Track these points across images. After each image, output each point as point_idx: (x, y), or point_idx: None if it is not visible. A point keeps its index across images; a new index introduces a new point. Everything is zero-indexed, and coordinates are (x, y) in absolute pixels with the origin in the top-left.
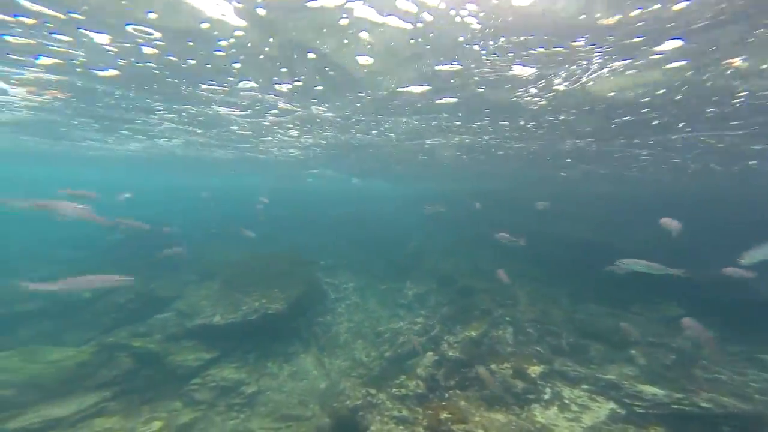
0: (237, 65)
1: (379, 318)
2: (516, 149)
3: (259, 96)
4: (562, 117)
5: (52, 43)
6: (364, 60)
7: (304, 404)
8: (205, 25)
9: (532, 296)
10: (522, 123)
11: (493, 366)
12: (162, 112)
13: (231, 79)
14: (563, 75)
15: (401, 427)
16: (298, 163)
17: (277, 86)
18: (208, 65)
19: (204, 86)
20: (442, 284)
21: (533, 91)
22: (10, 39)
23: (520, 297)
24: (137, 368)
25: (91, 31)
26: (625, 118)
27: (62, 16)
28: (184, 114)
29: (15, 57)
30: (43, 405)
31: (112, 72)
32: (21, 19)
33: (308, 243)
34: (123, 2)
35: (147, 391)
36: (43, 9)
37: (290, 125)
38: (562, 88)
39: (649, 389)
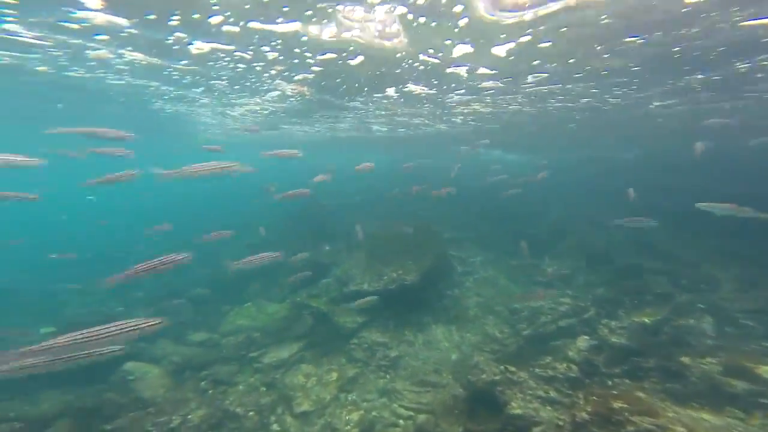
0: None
1: (512, 295)
2: None
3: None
4: None
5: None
6: None
7: (438, 373)
8: None
9: (743, 280)
10: None
11: (685, 359)
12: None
13: None
14: None
15: (549, 408)
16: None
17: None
18: None
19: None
20: (593, 262)
21: None
22: None
23: (723, 281)
24: (315, 325)
25: None
26: None
27: None
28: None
29: None
30: (273, 347)
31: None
32: None
33: (431, 215)
34: None
35: (324, 345)
36: None
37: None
38: None
39: None
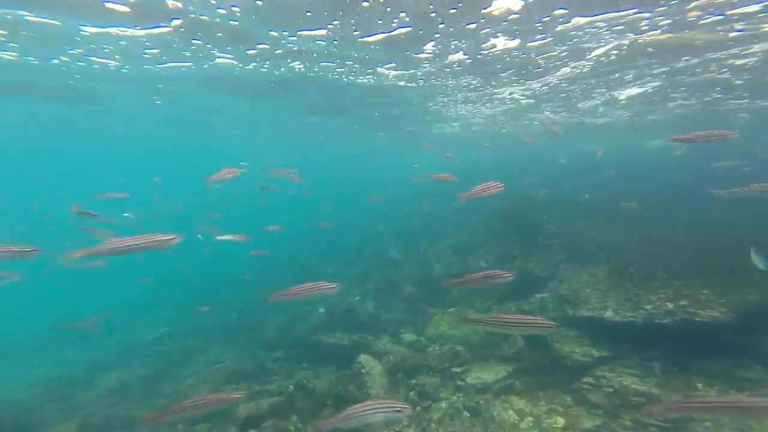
0: None
1: None
2: None
3: None
4: None
5: None
6: None
7: None
8: None
9: None
10: None
11: None
12: None
13: None
14: None
15: None
16: None
17: None
18: None
19: None
20: None
21: None
22: None
23: None
24: (527, 348)
25: None
26: None
27: None
28: None
29: None
30: (476, 365)
31: None
32: None
33: (717, 219)
34: None
35: (539, 375)
36: None
37: None
38: None
39: None
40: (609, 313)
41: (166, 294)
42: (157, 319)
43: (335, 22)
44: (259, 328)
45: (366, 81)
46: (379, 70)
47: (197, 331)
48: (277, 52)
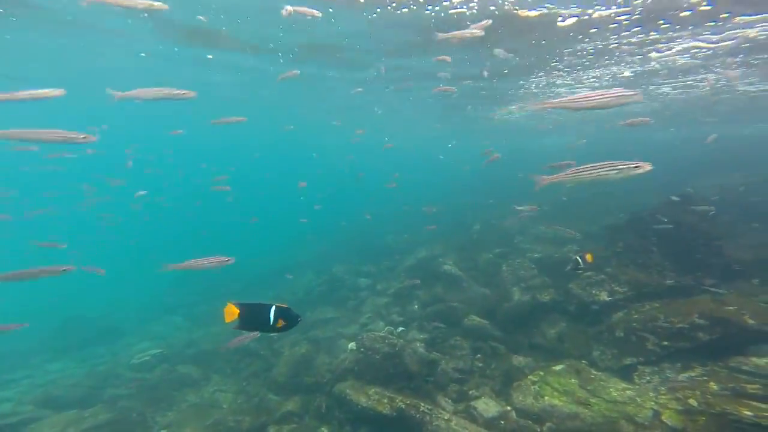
0: None
1: None
2: None
3: None
4: None
5: None
6: None
7: None
8: None
9: None
10: None
11: None
12: None
13: None
14: None
15: None
16: None
17: None
18: None
19: None
20: None
21: None
22: None
23: None
24: None
25: None
26: None
27: None
28: None
29: None
30: None
31: None
32: None
33: None
34: None
35: None
36: None
37: None
38: None
39: None
40: None
41: (182, 294)
42: (163, 327)
43: None
44: (271, 358)
45: None
46: None
47: (197, 354)
48: None
